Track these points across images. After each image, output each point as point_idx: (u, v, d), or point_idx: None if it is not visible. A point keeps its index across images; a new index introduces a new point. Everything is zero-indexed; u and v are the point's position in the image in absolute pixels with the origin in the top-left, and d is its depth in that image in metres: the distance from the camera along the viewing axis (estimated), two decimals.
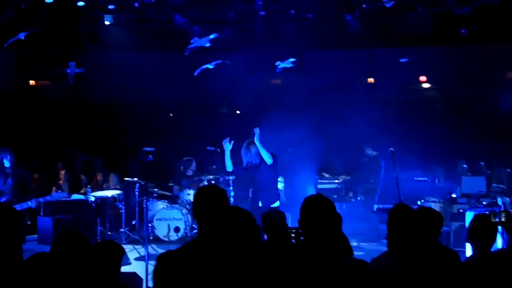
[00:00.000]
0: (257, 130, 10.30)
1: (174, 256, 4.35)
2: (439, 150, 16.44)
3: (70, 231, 4.37)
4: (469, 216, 11.06)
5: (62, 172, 15.68)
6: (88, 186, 14.53)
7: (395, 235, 4.71)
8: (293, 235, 6.10)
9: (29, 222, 13.85)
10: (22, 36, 14.90)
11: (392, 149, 11.45)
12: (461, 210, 12.37)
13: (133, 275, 8.69)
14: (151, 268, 9.54)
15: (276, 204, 10.27)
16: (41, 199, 10.64)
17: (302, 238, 5.98)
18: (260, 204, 9.94)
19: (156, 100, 19.13)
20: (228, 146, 10.44)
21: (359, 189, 14.01)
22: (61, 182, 15.46)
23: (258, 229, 3.96)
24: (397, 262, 4.53)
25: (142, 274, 9.30)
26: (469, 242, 5.97)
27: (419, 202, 12.28)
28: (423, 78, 19.71)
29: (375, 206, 11.91)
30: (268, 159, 10.23)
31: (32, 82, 20.66)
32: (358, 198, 13.90)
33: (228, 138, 10.48)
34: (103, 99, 19.48)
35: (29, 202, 10.34)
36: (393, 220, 4.91)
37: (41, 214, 13.92)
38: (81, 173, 16.25)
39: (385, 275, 4.50)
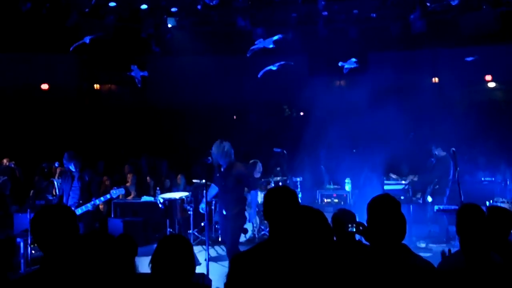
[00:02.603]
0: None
1: (248, 256, 4.38)
2: (506, 150, 16.12)
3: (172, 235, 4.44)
4: None
5: (130, 176, 15.86)
6: (157, 188, 14.69)
7: (465, 235, 4.65)
8: (354, 229, 6.00)
9: (97, 225, 14.08)
10: (87, 40, 15.05)
11: (453, 149, 11.28)
12: None
13: (202, 276, 8.76)
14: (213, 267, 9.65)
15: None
16: (100, 199, 10.78)
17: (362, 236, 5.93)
18: (224, 212, 9.48)
19: (220, 102, 19.21)
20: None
21: (428, 190, 13.82)
22: (128, 184, 15.64)
23: (330, 228, 3.93)
24: (469, 262, 4.47)
25: (211, 275, 9.38)
26: None
27: (487, 203, 12.04)
28: (488, 78, 19.39)
29: (436, 207, 11.74)
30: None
31: (96, 86, 20.97)
32: (429, 199, 13.68)
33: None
34: (167, 102, 19.67)
35: (88, 204, 10.55)
36: (461, 220, 4.85)
37: (112, 216, 14.16)
38: (147, 176, 16.42)
39: (456, 275, 4.44)
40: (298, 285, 3.78)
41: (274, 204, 4.66)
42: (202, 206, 10.22)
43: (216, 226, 13.76)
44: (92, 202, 10.59)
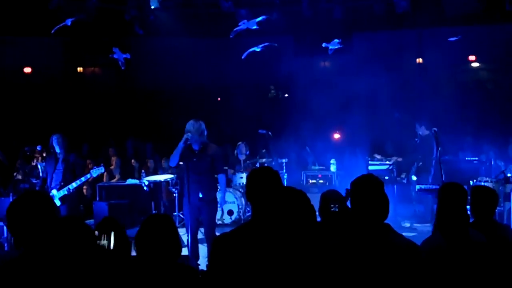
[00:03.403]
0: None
1: (230, 237, 4.36)
2: (491, 129, 16.17)
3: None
4: None
5: (114, 159, 15.81)
6: (142, 171, 14.67)
7: (444, 213, 4.66)
8: (336, 209, 5.98)
9: (81, 207, 14.07)
10: (68, 22, 14.91)
11: (435, 129, 11.31)
12: None
13: (187, 257, 8.77)
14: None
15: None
16: (80, 179, 10.77)
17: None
18: (200, 195, 9.31)
19: (204, 84, 19.15)
20: (181, 142, 9.27)
21: (412, 170, 13.85)
22: (112, 167, 15.60)
23: (313, 208, 3.92)
24: (448, 242, 4.47)
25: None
26: None
27: (471, 182, 12.09)
28: (472, 58, 19.41)
29: (418, 187, 11.78)
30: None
31: (80, 69, 20.84)
32: (414, 178, 13.71)
33: (189, 135, 9.26)
34: (151, 84, 19.60)
35: (69, 186, 10.58)
36: (442, 199, 4.86)
37: (97, 199, 14.11)
38: (132, 159, 16.37)
39: (437, 254, 4.44)
40: (281, 265, 3.78)
41: (257, 185, 4.63)
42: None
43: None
44: (68, 186, 10.63)
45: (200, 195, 9.26)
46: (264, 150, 15.48)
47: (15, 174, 14.77)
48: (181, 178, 13.98)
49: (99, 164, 15.18)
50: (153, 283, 4.14)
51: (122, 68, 15.83)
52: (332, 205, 5.90)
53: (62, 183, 10.73)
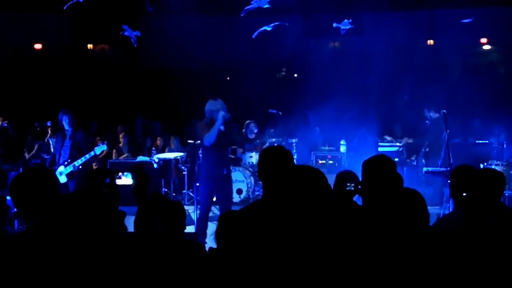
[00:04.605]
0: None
1: (238, 216, 4.38)
2: (502, 113, 16.10)
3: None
4: None
5: (121, 135, 15.83)
6: (153, 149, 14.69)
7: (461, 196, 4.64)
8: (352, 188, 5.96)
9: None
10: None
11: (444, 111, 11.26)
12: None
13: (195, 235, 8.80)
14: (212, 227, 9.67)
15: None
16: (85, 156, 10.83)
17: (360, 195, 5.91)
18: (225, 172, 9.31)
19: (213, 63, 19.10)
20: (221, 120, 9.07)
21: (422, 152, 13.82)
22: (121, 145, 15.62)
23: (330, 187, 3.89)
24: (468, 223, 4.44)
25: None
26: None
27: (481, 165, 12.04)
28: (483, 40, 19.29)
29: (424, 169, 11.74)
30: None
31: (90, 46, 20.84)
32: (423, 161, 13.69)
33: (224, 113, 9.13)
34: (161, 63, 19.55)
35: (75, 163, 10.66)
36: (456, 182, 4.83)
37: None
38: (143, 137, 16.38)
39: (454, 236, 4.41)
40: (294, 244, 3.75)
41: (269, 163, 4.64)
42: None
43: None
44: (73, 163, 10.70)
45: (225, 171, 9.27)
46: (272, 130, 15.47)
47: (24, 149, 14.85)
48: (191, 156, 14.00)
49: (108, 141, 15.33)
50: (158, 258, 4.17)
51: (135, 45, 15.75)
52: (348, 184, 5.91)
53: (69, 160, 10.79)
